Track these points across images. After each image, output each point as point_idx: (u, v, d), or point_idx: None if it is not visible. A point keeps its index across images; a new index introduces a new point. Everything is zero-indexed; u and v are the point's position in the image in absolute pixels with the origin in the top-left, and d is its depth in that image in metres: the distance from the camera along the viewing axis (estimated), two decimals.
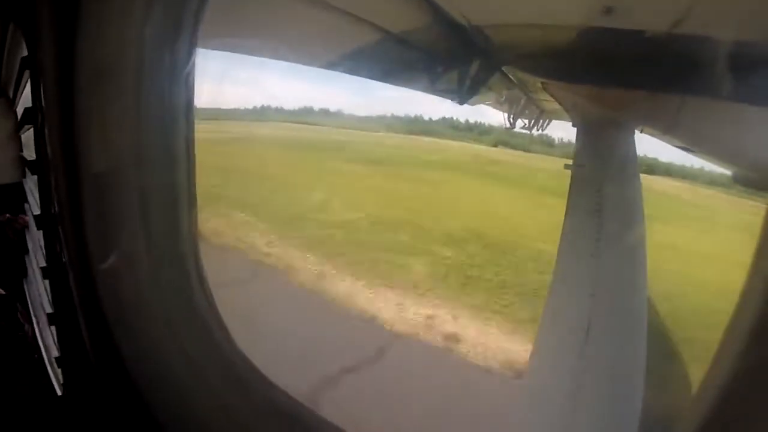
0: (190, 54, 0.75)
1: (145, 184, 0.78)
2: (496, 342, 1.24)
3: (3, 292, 1.37)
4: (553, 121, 1.05)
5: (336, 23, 0.95)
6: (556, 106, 0.99)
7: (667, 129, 0.86)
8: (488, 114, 1.12)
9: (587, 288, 0.83)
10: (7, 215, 1.49)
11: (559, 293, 0.88)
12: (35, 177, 1.03)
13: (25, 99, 1.17)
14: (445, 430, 0.99)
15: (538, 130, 1.08)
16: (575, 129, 0.95)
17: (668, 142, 0.91)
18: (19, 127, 1.40)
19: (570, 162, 0.94)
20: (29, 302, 1.46)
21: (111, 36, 0.74)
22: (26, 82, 1.19)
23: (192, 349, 0.81)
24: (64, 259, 0.89)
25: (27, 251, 1.53)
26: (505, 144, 1.15)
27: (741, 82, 0.64)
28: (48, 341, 1.27)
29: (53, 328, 1.15)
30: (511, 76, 1.01)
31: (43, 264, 1.11)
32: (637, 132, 0.90)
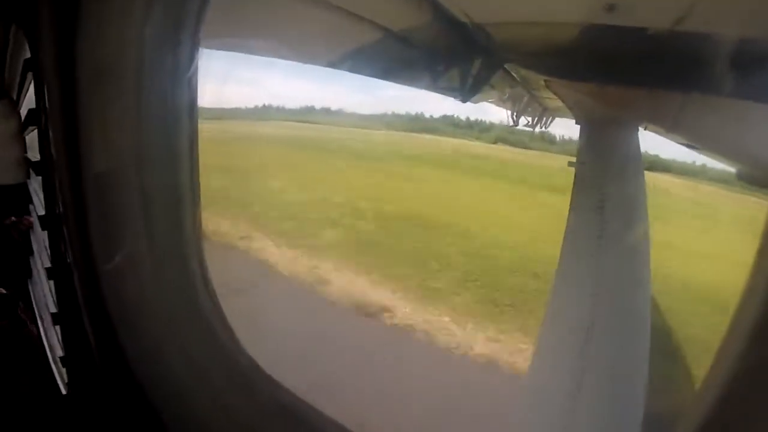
0: (192, 54, 0.75)
1: (147, 184, 0.78)
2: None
3: (4, 292, 1.37)
4: (556, 118, 1.05)
5: (337, 22, 0.95)
6: (558, 103, 0.98)
7: (669, 126, 0.86)
8: (489, 111, 1.12)
9: (589, 287, 0.83)
10: (12, 218, 1.49)
11: (561, 292, 0.87)
12: (40, 178, 1.04)
13: (29, 100, 1.17)
14: (446, 429, 0.99)
15: (541, 127, 1.08)
16: (578, 126, 0.94)
17: (671, 139, 0.91)
18: (23, 128, 1.41)
19: (573, 159, 0.94)
20: (34, 302, 1.47)
21: (111, 36, 0.74)
22: (30, 83, 1.19)
23: (196, 349, 0.81)
24: (68, 260, 0.89)
25: (32, 252, 1.53)
26: (505, 141, 1.15)
27: (744, 80, 0.64)
28: (53, 341, 1.28)
29: (58, 327, 1.15)
30: (513, 74, 1.00)
31: (48, 264, 1.11)
32: (640, 129, 0.89)
